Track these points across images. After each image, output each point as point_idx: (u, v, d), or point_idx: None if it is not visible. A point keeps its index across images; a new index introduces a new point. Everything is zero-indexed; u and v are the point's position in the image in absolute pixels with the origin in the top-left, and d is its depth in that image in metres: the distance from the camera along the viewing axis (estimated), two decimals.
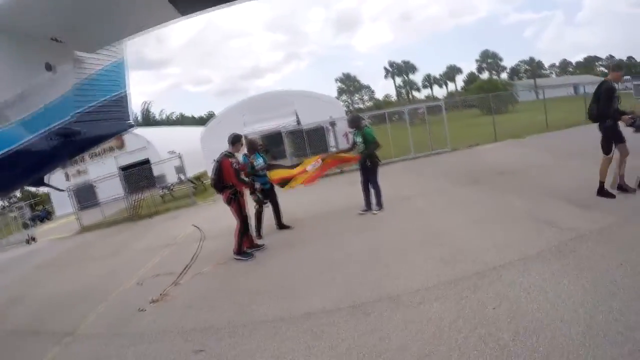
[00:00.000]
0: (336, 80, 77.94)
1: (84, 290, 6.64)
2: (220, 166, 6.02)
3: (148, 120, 59.05)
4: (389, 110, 15.47)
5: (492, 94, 15.70)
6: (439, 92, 76.73)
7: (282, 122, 20.86)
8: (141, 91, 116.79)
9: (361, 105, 75.03)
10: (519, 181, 7.56)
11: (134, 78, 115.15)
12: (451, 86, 76.82)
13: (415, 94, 77.09)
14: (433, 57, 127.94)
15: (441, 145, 13.47)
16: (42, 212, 28.55)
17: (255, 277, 5.39)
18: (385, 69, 76.47)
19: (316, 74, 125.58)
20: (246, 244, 6.36)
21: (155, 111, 65.62)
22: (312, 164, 7.29)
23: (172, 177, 21.45)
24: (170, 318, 4.59)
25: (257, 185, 6.85)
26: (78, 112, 5.98)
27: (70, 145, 5.82)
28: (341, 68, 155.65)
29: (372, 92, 78.66)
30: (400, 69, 75.58)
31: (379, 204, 7.24)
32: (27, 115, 5.17)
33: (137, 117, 62.11)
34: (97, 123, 6.43)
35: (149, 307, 5.05)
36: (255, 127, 20.92)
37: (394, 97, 75.84)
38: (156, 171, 21.90)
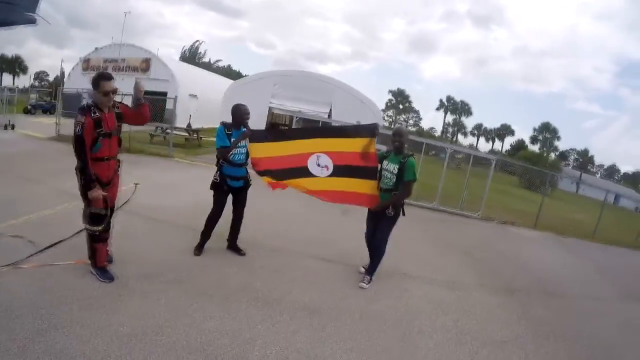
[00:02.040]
0: (389, 91, 75.23)
1: None
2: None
3: (192, 59, 57.39)
4: (429, 141, 12.90)
5: (537, 169, 12.99)
6: (483, 145, 74.76)
7: (313, 108, 18.86)
8: (205, 32, 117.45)
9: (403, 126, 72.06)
10: (570, 313, 5.00)
11: (203, 17, 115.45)
12: (497, 144, 74.24)
13: (460, 137, 74.47)
14: (491, 109, 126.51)
15: (473, 207, 10.88)
16: (47, 104, 27.24)
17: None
18: (441, 101, 73.43)
19: (374, 80, 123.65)
20: (102, 258, 3.84)
21: (206, 54, 64.08)
22: (318, 154, 4.64)
23: (182, 121, 19.39)
24: None
25: (216, 176, 4.60)
26: None
27: None
28: (399, 84, 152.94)
29: (420, 118, 75.80)
30: (454, 107, 72.34)
31: (372, 273, 4.70)
32: None
33: (185, 53, 60.99)
34: None
35: None
36: (284, 104, 19.02)
37: (438, 132, 73.09)
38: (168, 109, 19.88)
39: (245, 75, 28.18)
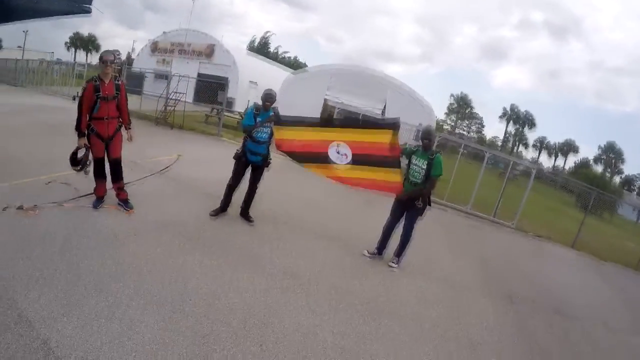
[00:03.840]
0: (451, 95, 72.21)
1: (20, 158, 6.33)
2: None
3: (261, 50, 59.19)
4: (466, 142, 12.54)
5: (597, 191, 12.07)
6: (546, 160, 69.25)
7: (367, 103, 19.05)
8: (274, 23, 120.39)
9: (464, 132, 69.43)
10: (571, 335, 4.65)
11: (274, 8, 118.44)
12: (560, 161, 68.63)
13: (521, 149, 69.82)
14: (557, 123, 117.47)
15: (507, 216, 10.52)
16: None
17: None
18: (504, 109, 69.32)
19: (439, 83, 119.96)
20: (99, 190, 4.78)
21: (274, 45, 65.70)
22: (338, 142, 4.97)
23: (241, 106, 20.41)
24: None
25: (239, 149, 5.16)
26: None
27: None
28: (465, 90, 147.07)
29: (482, 126, 72.47)
30: (517, 117, 68.55)
31: (400, 255, 5.08)
32: None
33: (254, 43, 63.14)
34: None
35: (11, 212, 4.11)
36: (339, 97, 19.44)
37: (499, 141, 69.55)
38: (229, 93, 21.05)
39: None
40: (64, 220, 4.20)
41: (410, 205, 4.91)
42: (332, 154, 5.00)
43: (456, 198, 10.61)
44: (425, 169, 4.73)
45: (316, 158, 5.08)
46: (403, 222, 5.04)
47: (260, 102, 5.00)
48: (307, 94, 18.95)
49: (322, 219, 6.45)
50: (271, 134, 5.09)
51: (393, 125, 4.89)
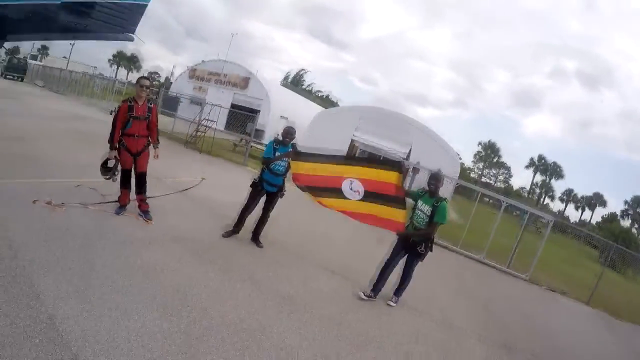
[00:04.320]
0: (479, 143, 71.67)
1: (55, 160, 7.11)
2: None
3: (295, 85, 61.41)
4: (477, 188, 12.35)
5: (616, 245, 11.65)
6: (573, 213, 67.84)
7: (392, 146, 19.46)
8: (310, 60, 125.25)
9: (490, 182, 68.48)
10: None
11: (311, 45, 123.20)
12: (586, 214, 66.79)
13: (547, 200, 68.27)
14: (585, 175, 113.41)
15: (523, 268, 10.26)
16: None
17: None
18: (532, 159, 68.36)
19: (469, 129, 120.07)
20: (123, 198, 5.28)
21: (308, 81, 68.01)
22: (351, 179, 5.21)
23: (270, 138, 21.28)
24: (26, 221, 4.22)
25: (256, 178, 5.49)
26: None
27: (47, 21, 5.29)
28: (495, 136, 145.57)
29: (510, 175, 71.26)
30: (545, 168, 67.22)
31: (399, 293, 5.13)
32: None
33: (288, 78, 65.71)
34: (88, 18, 5.75)
35: (39, 205, 4.69)
36: (366, 138, 20.02)
37: (525, 191, 68.09)
38: (260, 125, 22.10)
39: None
40: (87, 220, 4.66)
41: (412, 250, 4.90)
42: (345, 189, 5.25)
43: (471, 245, 10.52)
44: (430, 215, 4.69)
45: (330, 192, 5.32)
46: (403, 266, 5.08)
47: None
48: (336, 131, 19.61)
49: (328, 252, 6.62)
50: (288, 168, 5.42)
51: (399, 166, 5.12)
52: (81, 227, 4.41)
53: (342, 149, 18.27)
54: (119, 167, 5.11)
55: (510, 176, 71.01)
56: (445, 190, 15.38)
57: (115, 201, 5.29)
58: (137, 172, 5.19)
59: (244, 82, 29.50)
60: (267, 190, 5.47)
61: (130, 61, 69.52)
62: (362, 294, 4.97)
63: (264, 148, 5.84)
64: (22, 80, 31.13)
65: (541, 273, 10.49)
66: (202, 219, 6.20)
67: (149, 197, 5.46)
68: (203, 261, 4.53)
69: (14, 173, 5.72)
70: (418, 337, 4.43)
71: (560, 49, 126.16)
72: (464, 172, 58.13)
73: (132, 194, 5.31)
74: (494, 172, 70.99)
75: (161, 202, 6.16)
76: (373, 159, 6.37)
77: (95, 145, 7.30)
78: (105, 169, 5.10)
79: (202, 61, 33.70)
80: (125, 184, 5.19)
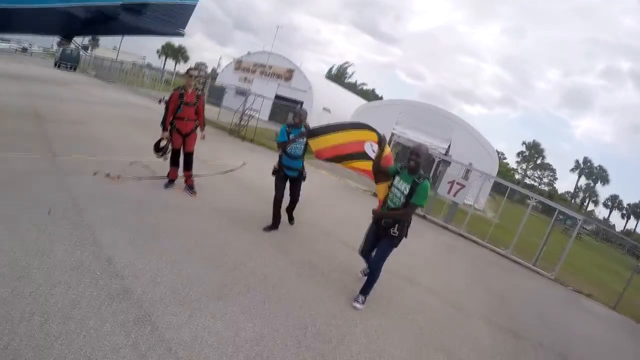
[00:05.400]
0: (522, 143, 68.53)
1: (111, 141, 8.19)
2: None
3: (339, 78, 61.75)
4: (506, 183, 12.15)
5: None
6: (618, 220, 63.96)
7: (432, 142, 19.46)
8: (357, 53, 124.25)
9: (534, 183, 65.62)
10: None
11: (358, 39, 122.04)
12: (632, 223, 62.24)
13: (591, 206, 64.45)
14: (635, 183, 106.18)
15: (549, 266, 10.13)
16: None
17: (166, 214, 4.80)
18: (577, 162, 65.02)
19: (516, 128, 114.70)
20: (172, 174, 6.14)
21: (352, 75, 68.16)
22: (367, 143, 5.25)
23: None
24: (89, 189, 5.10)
25: (276, 165, 5.54)
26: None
27: (106, 21, 6.19)
28: (543, 137, 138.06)
29: (555, 178, 67.58)
30: (591, 172, 63.50)
31: (366, 293, 4.27)
32: None
33: (333, 71, 66.13)
34: (143, 16, 6.59)
35: (99, 177, 5.63)
36: (405, 132, 20.14)
37: (569, 195, 64.71)
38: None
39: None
40: (140, 190, 5.54)
41: (384, 233, 4.16)
42: (368, 150, 5.26)
43: (499, 241, 10.47)
44: (407, 194, 3.93)
45: (356, 157, 5.32)
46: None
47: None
48: (376, 124, 18.63)
49: (354, 232, 6.89)
50: (305, 149, 5.44)
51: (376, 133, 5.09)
52: (135, 195, 5.26)
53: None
54: (170, 147, 5.90)
55: (555, 179, 67.39)
56: (484, 188, 15.23)
57: (165, 177, 6.12)
58: (185, 151, 5.95)
59: (288, 74, 30.30)
60: (288, 175, 5.52)
61: (178, 52, 71.26)
62: (363, 271, 5.03)
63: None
64: (74, 70, 32.52)
65: (571, 275, 10.22)
66: (241, 197, 6.93)
67: (194, 175, 6.21)
68: (239, 228, 5.22)
69: (78, 150, 6.73)
70: (424, 310, 4.69)
71: (615, 47, 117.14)
72: (507, 172, 56.14)
73: (180, 171, 6.09)
74: (538, 173, 67.87)
75: (205, 180, 6.97)
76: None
77: (147, 130, 8.24)
78: (158, 149, 5.91)
79: (248, 53, 35.00)
80: (174, 162, 6.00)
